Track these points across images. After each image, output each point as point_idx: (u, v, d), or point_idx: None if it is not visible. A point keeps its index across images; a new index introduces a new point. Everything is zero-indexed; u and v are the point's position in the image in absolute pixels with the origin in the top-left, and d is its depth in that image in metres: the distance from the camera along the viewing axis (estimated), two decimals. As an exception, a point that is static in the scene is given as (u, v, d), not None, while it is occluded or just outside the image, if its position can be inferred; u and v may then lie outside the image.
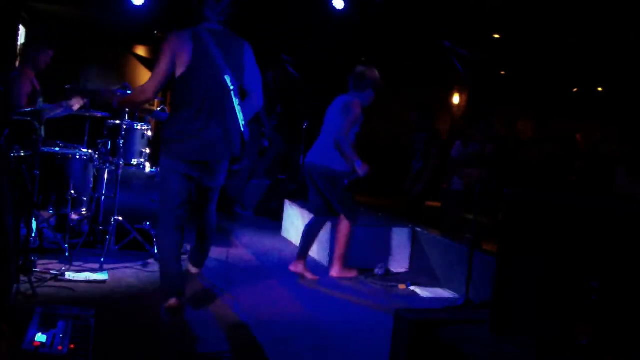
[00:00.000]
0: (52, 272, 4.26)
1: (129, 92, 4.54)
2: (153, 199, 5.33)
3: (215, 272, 4.93)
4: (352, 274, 5.27)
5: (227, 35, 3.87)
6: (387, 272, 5.51)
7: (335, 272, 5.25)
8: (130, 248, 5.11)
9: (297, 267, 5.17)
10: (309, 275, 5.12)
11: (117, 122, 5.22)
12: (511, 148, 6.62)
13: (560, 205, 2.52)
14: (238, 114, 3.80)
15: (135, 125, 5.36)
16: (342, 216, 5.14)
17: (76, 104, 5.03)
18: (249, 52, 3.91)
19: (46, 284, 4.04)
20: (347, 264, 5.31)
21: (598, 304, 2.26)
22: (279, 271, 5.25)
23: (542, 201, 2.60)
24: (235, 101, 3.78)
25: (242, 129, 3.83)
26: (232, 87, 3.76)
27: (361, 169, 4.84)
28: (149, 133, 5.47)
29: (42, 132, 4.28)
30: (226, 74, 3.76)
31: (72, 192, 4.90)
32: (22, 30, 8.71)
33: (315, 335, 3.67)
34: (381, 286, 5.10)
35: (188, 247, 5.33)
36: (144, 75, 10.80)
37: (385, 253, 5.71)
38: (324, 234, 5.75)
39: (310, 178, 5.16)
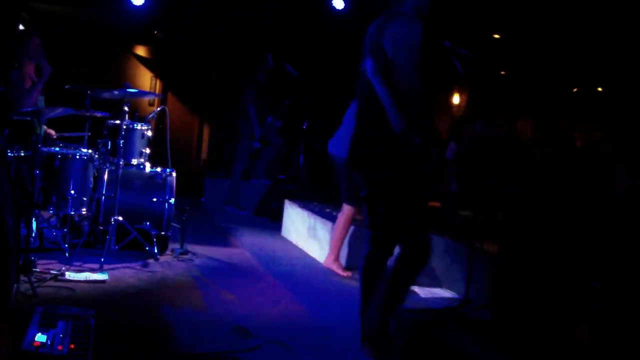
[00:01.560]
0: (52, 272, 4.26)
1: None
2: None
3: (216, 272, 4.93)
4: (346, 273, 5.23)
5: (390, 16, 3.25)
6: (387, 272, 5.51)
7: (326, 262, 5.33)
8: (130, 248, 5.11)
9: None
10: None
11: (117, 122, 5.22)
12: (511, 148, 6.61)
13: (560, 205, 2.52)
14: (386, 106, 3.07)
15: (135, 125, 5.36)
16: (345, 205, 5.23)
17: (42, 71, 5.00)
18: (392, 25, 3.17)
19: (46, 284, 4.04)
20: (344, 262, 5.36)
21: (598, 304, 2.26)
22: (279, 271, 5.25)
23: (542, 201, 2.61)
24: (380, 91, 3.10)
25: (390, 127, 3.07)
26: (368, 71, 3.16)
27: None
28: (149, 133, 5.47)
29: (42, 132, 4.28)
30: (367, 59, 3.20)
31: (72, 192, 4.90)
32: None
33: (315, 335, 3.66)
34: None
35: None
36: (144, 75, 10.79)
37: (385, 253, 5.70)
38: (324, 233, 5.76)
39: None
